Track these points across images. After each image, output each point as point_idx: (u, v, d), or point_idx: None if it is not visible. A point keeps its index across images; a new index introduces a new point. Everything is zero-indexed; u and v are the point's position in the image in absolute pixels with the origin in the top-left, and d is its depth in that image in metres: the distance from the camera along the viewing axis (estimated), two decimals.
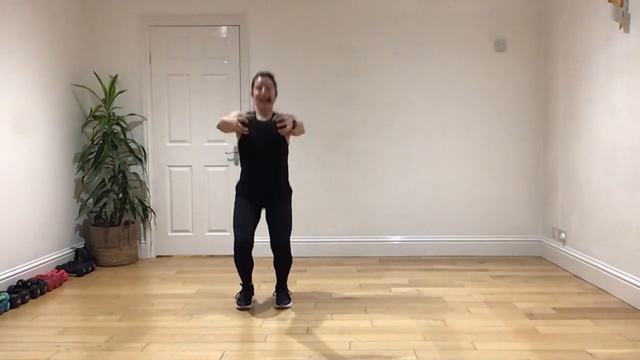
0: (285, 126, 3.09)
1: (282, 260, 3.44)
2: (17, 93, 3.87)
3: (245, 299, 3.49)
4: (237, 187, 3.51)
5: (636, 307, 3.36)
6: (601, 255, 3.83)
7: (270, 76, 3.42)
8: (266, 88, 3.36)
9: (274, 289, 3.60)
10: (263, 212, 4.26)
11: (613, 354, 2.66)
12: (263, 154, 3.36)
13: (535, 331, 2.98)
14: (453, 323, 3.13)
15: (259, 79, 3.38)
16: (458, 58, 4.82)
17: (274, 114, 3.44)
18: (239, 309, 3.44)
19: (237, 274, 3.94)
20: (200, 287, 3.97)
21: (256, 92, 3.38)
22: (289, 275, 4.17)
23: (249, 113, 3.44)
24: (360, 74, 4.85)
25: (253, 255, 4.85)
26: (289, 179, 3.59)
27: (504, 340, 2.86)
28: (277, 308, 3.45)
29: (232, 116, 3.28)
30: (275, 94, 3.45)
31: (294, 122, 3.18)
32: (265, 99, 3.37)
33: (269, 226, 3.42)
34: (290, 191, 3.53)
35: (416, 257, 4.87)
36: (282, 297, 3.51)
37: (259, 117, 3.42)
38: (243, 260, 3.38)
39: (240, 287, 3.61)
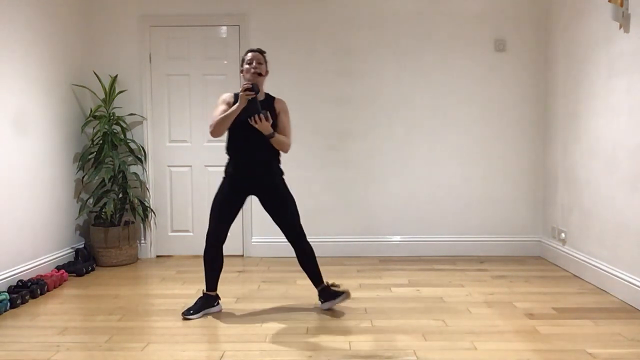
0: (260, 119, 3.04)
1: (303, 251, 3.35)
2: (17, 93, 3.87)
3: (198, 308, 3.28)
4: (226, 169, 3.35)
5: (636, 307, 3.36)
6: (601, 255, 3.83)
7: (260, 52, 3.31)
8: (257, 62, 3.24)
9: (317, 296, 3.42)
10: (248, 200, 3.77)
11: (613, 354, 2.66)
12: (251, 128, 3.14)
13: (535, 331, 2.98)
14: (453, 323, 3.13)
15: (249, 54, 3.27)
16: (458, 58, 4.82)
17: (267, 95, 3.33)
18: (184, 319, 3.22)
19: (207, 275, 3.40)
20: (200, 287, 3.96)
21: (246, 66, 3.24)
22: (292, 273, 4.17)
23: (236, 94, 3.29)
24: (360, 73, 4.84)
25: (257, 255, 4.91)
26: (283, 171, 3.42)
27: (504, 340, 2.86)
28: (324, 309, 3.35)
29: (220, 105, 3.22)
30: (266, 72, 3.31)
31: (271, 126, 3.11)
32: (257, 73, 3.22)
33: (276, 221, 3.32)
34: (282, 173, 3.35)
35: (416, 257, 4.86)
36: (327, 295, 3.34)
37: None
38: (214, 258, 3.33)
39: (201, 294, 3.40)
